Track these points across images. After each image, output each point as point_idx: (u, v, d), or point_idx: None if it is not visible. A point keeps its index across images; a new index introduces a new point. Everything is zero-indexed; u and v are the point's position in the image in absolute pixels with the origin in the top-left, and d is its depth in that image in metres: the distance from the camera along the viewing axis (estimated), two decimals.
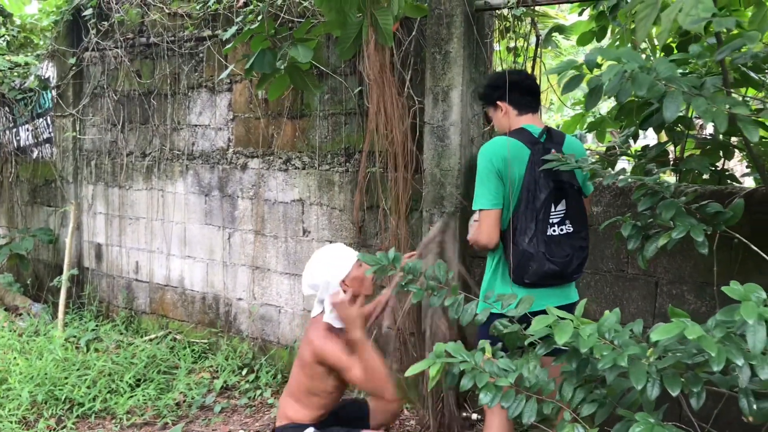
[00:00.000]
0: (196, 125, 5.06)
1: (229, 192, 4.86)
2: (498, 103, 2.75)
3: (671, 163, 3.52)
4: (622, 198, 3.25)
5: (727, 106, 1.93)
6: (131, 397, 4.10)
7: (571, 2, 3.74)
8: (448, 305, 2.18)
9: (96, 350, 4.74)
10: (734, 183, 3.40)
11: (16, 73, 6.31)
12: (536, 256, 2.51)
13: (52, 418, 3.88)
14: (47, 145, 6.39)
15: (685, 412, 2.01)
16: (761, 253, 2.31)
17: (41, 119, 6.40)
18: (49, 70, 6.13)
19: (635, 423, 1.66)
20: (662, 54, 3.40)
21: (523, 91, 2.73)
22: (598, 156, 4.01)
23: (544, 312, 1.83)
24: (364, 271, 2.58)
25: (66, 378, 4.18)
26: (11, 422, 3.74)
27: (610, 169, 3.04)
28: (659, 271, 3.19)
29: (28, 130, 6.53)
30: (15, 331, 5.12)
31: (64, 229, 5.92)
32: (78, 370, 4.29)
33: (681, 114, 3.41)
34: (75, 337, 5.01)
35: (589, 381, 1.86)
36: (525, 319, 1.97)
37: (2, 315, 5.60)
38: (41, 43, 6.66)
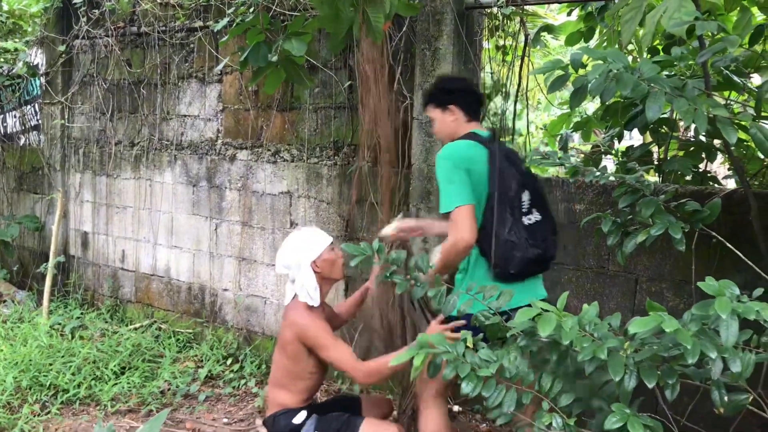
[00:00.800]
0: (185, 115, 5.07)
1: (217, 183, 4.87)
2: (450, 106, 2.74)
3: (654, 163, 3.59)
4: (605, 196, 3.30)
5: (708, 108, 1.99)
6: (116, 384, 4.11)
7: (561, 2, 3.79)
8: (431, 296, 2.23)
9: (81, 338, 4.74)
10: (716, 185, 3.47)
11: (3, 59, 6.26)
12: (519, 244, 2.52)
13: (37, 403, 3.88)
14: (35, 132, 6.35)
15: (661, 407, 2.07)
16: (738, 252, 2.38)
17: (29, 106, 6.36)
18: (37, 57, 6.09)
19: (611, 413, 1.71)
20: (649, 56, 3.46)
21: (474, 98, 2.78)
22: (583, 155, 4.06)
23: (519, 308, 1.89)
24: (336, 255, 2.74)
25: (51, 365, 4.18)
26: None
27: (593, 167, 3.09)
28: (639, 268, 3.25)
29: (15, 116, 6.49)
30: None
31: (51, 216, 5.90)
32: (63, 357, 4.29)
33: (665, 116, 3.47)
34: (60, 324, 5.00)
35: (566, 373, 1.91)
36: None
37: None
38: (30, 29, 6.61)
